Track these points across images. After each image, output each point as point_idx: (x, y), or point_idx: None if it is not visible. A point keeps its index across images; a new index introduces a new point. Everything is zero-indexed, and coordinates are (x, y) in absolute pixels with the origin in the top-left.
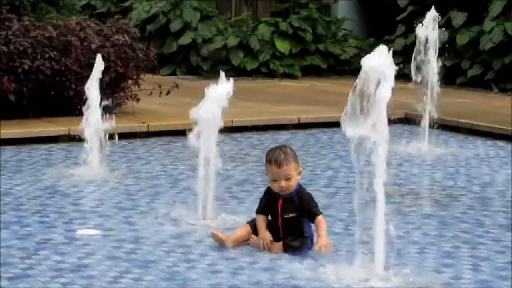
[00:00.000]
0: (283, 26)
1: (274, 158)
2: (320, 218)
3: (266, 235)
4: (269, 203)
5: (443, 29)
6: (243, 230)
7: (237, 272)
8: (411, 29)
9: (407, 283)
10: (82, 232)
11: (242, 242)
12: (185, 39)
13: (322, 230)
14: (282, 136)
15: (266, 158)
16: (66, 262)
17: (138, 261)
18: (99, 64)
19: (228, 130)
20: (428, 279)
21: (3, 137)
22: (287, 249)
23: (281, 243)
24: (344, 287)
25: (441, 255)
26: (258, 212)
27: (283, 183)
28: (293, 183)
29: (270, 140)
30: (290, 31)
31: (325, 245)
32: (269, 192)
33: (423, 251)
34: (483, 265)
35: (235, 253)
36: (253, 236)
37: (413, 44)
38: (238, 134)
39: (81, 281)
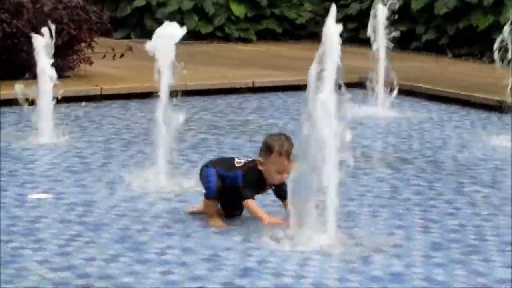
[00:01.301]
0: None
1: (287, 151)
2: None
3: (274, 219)
4: (257, 190)
5: None
6: (215, 205)
7: (189, 235)
8: None
9: (359, 246)
10: (33, 195)
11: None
12: (139, 2)
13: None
14: (236, 100)
15: (273, 148)
16: (17, 225)
17: (90, 224)
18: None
19: (182, 93)
20: (380, 241)
21: None
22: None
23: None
24: (297, 251)
25: (393, 217)
26: (252, 197)
27: (286, 176)
28: None
29: (224, 103)
30: None
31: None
32: (259, 178)
33: (375, 214)
34: (434, 227)
35: (187, 217)
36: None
37: (368, 9)
38: (192, 98)
39: (32, 244)
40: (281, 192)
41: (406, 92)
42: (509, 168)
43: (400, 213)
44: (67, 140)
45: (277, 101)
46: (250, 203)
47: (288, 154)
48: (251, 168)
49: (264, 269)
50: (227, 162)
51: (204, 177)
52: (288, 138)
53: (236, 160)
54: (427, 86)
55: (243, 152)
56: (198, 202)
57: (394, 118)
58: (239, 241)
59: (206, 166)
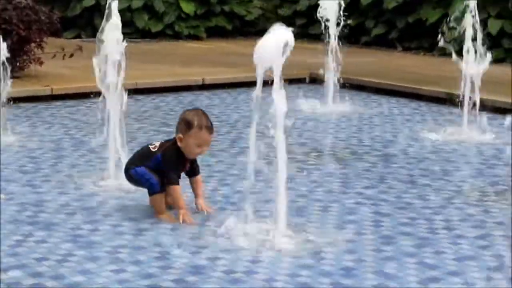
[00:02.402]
0: None
1: (205, 124)
2: (200, 177)
3: (188, 217)
4: (179, 168)
5: None
6: (163, 199)
7: (140, 234)
8: None
9: (310, 242)
10: None
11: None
12: (89, 1)
13: (201, 190)
14: (187, 98)
15: (193, 123)
16: None
17: (41, 224)
18: None
19: (132, 92)
20: (331, 236)
21: None
22: None
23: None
24: (248, 248)
25: (344, 212)
26: (177, 182)
27: (205, 149)
28: None
29: (174, 101)
30: None
31: (207, 208)
32: (178, 156)
33: (326, 209)
34: (385, 221)
35: (139, 215)
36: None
37: (317, 4)
38: (143, 96)
39: None
40: (193, 168)
41: (356, 86)
42: (459, 160)
43: (351, 208)
44: (18, 140)
45: (228, 98)
46: (174, 190)
47: (207, 127)
48: (168, 147)
49: (215, 266)
50: (144, 153)
51: (139, 179)
52: (204, 113)
53: (150, 146)
54: (377, 80)
55: None
56: (149, 201)
57: (345, 112)
58: (190, 237)
59: (131, 169)
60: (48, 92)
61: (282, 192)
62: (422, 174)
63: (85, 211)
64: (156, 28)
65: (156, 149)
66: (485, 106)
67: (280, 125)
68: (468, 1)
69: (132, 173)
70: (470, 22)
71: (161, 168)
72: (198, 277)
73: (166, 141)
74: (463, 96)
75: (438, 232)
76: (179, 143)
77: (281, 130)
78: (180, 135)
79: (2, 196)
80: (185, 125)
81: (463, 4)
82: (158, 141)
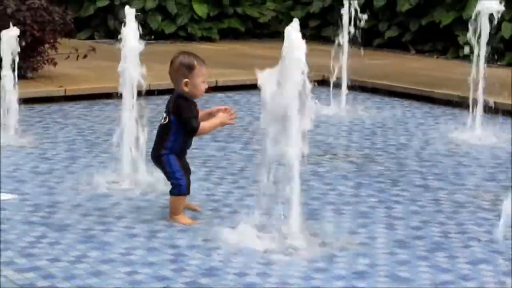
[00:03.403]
0: None
1: (201, 59)
2: None
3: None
4: (195, 114)
5: None
6: (184, 201)
7: (153, 235)
8: None
9: (323, 245)
10: None
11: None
12: (102, 2)
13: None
14: (200, 99)
15: (193, 63)
16: None
17: (54, 225)
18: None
19: (146, 93)
20: (344, 240)
21: None
22: None
23: None
24: (261, 250)
25: (357, 216)
26: (198, 124)
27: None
28: None
29: None
30: None
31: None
32: (190, 104)
33: (339, 212)
34: (398, 224)
35: (152, 216)
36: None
37: (331, 6)
38: (156, 97)
39: None
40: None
41: (370, 89)
42: (472, 164)
43: (364, 211)
44: (31, 141)
45: (241, 100)
46: (202, 128)
47: (203, 62)
48: (175, 105)
49: (228, 268)
50: (161, 132)
51: (169, 171)
52: (189, 52)
53: (161, 122)
54: (390, 83)
55: (207, 152)
56: (162, 203)
57: (358, 115)
58: (203, 239)
59: (163, 155)
60: (62, 93)
61: (296, 195)
62: (435, 177)
63: (98, 212)
64: (169, 29)
65: (167, 120)
66: (498, 110)
67: (295, 128)
68: (481, 4)
69: (164, 160)
70: (485, 26)
71: (182, 130)
72: (211, 279)
73: (168, 107)
74: (477, 99)
75: (451, 236)
76: (186, 88)
77: (296, 132)
78: (186, 80)
79: (11, 196)
80: (187, 68)
81: (476, 7)
82: (162, 115)
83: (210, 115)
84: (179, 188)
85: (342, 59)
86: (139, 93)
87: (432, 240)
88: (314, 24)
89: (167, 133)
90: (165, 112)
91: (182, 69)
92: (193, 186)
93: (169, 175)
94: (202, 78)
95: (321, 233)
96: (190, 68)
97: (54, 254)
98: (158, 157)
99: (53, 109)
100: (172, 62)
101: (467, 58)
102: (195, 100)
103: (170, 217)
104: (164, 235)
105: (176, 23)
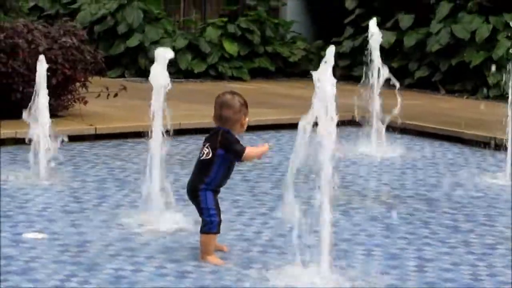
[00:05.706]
0: (231, 28)
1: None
2: None
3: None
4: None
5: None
6: (215, 240)
7: (183, 276)
8: (359, 31)
9: (353, 286)
10: (28, 235)
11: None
12: (133, 41)
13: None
14: None
15: (246, 102)
16: (12, 265)
17: (84, 265)
18: (42, 65)
19: (176, 132)
20: (374, 281)
21: None
22: None
23: None
24: None
25: (387, 257)
26: (244, 147)
27: None
28: None
29: None
30: (239, 33)
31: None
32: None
33: (369, 253)
34: (428, 266)
35: (182, 256)
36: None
37: (361, 46)
38: (186, 137)
39: (27, 284)
40: None
41: (400, 129)
42: (502, 205)
43: (394, 252)
44: (62, 180)
45: (271, 139)
46: (248, 153)
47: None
48: (225, 136)
49: None
50: (201, 166)
51: (203, 208)
52: (232, 90)
53: (201, 157)
54: (420, 124)
55: (237, 191)
56: (192, 243)
57: (388, 156)
58: (234, 280)
59: (201, 189)
60: (92, 132)
61: (326, 236)
62: (466, 219)
63: (128, 252)
64: (199, 68)
65: (210, 155)
66: None
67: (326, 168)
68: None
69: (201, 194)
70: None
71: (225, 164)
72: None
73: (211, 141)
74: (507, 140)
75: (482, 278)
76: (242, 128)
77: (327, 172)
78: (244, 118)
79: (41, 235)
80: (246, 107)
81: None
82: (204, 151)
83: None
84: (210, 225)
85: (372, 99)
86: (169, 132)
87: (463, 283)
88: (344, 64)
89: (208, 168)
90: (207, 147)
91: (243, 109)
92: (223, 225)
93: (203, 212)
94: (247, 118)
95: (351, 274)
96: (246, 105)
97: None
98: (195, 191)
99: (83, 147)
100: (224, 103)
101: (497, 98)
102: None
103: (202, 257)
104: (193, 275)
105: (206, 61)
